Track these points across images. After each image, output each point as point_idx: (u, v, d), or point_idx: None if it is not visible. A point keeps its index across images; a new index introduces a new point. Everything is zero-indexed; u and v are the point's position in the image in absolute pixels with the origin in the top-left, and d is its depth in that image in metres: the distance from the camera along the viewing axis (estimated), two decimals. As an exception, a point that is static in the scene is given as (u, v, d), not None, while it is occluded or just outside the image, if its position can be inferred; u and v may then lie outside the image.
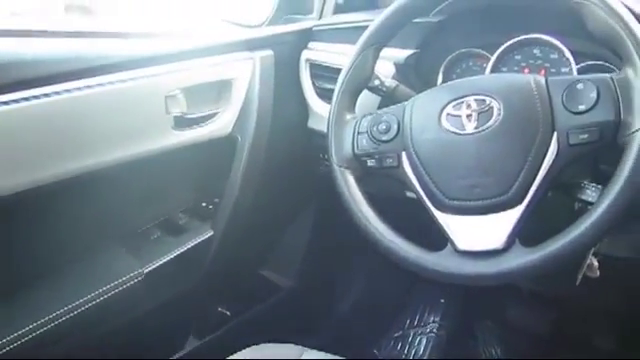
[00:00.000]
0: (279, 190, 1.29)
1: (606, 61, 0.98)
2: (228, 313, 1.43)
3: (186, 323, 1.32)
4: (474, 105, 0.80)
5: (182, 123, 1.05)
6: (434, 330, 1.58)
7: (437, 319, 1.60)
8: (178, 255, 1.13)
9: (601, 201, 0.70)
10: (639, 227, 0.95)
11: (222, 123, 1.12)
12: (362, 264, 1.66)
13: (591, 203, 0.75)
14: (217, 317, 1.42)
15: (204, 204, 1.24)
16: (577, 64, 1.00)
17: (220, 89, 1.12)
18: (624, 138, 0.71)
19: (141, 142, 1.00)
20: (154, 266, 1.09)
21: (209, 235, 1.18)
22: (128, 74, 0.96)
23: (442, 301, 1.63)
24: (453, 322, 1.60)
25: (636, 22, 0.74)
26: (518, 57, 1.06)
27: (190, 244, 1.15)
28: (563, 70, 1.02)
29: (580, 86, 0.75)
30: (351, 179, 0.89)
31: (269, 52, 1.18)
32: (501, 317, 1.59)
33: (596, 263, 0.93)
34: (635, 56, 0.72)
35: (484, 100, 0.80)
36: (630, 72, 0.72)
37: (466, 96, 0.81)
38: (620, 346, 1.45)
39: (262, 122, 1.17)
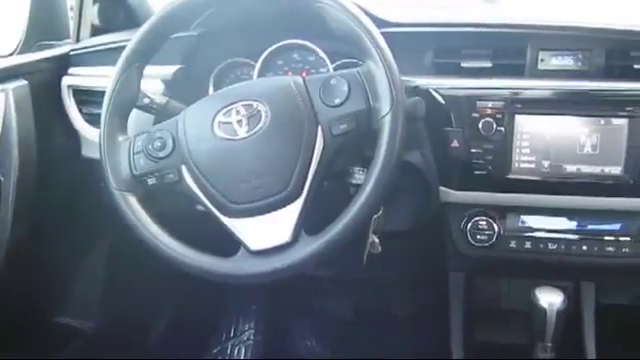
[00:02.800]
0: (61, 228, 1.20)
1: (358, 58, 1.08)
2: (24, 373, 1.29)
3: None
4: (243, 110, 0.84)
5: None
6: (251, 337, 1.60)
7: (252, 325, 1.62)
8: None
9: (366, 182, 0.79)
10: (404, 201, 1.08)
11: (-23, 165, 1.01)
12: (169, 288, 1.61)
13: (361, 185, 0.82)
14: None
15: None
16: (333, 63, 1.10)
17: (-31, 128, 1.01)
18: (377, 123, 0.80)
19: None
20: None
21: (-20, 291, 1.06)
22: None
23: (253, 307, 1.66)
24: (267, 325, 1.63)
25: (370, 21, 0.84)
26: (280, 62, 1.13)
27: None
28: (321, 70, 1.11)
29: (333, 82, 0.83)
30: (133, 201, 0.86)
31: (22, 82, 1.09)
32: (310, 309, 1.67)
33: (377, 240, 1.01)
34: (373, 50, 0.81)
35: (251, 105, 0.84)
36: (371, 64, 0.82)
37: (234, 103, 0.84)
38: (414, 311, 1.61)
39: (26, 159, 1.07)
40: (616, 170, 0.97)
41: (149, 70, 0.93)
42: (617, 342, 1.27)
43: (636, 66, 1.00)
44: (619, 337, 1.29)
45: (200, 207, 0.86)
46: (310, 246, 0.79)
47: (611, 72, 1.02)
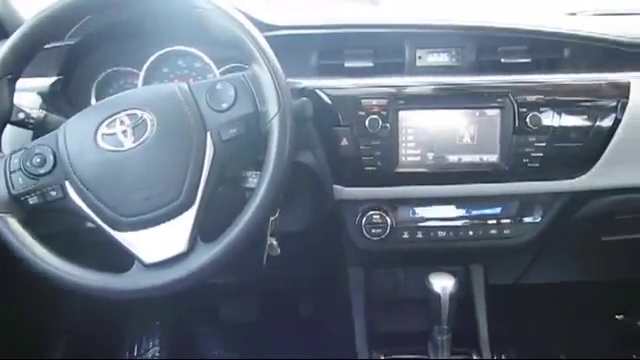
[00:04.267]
0: None
1: (243, 62, 1.08)
2: None
3: None
4: (127, 120, 0.81)
5: None
6: (156, 354, 1.56)
7: (156, 342, 1.58)
8: None
9: (259, 185, 0.79)
10: (299, 202, 1.10)
11: None
12: (62, 313, 1.53)
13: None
14: None
15: None
16: (219, 68, 1.09)
17: None
18: (265, 126, 0.81)
19: None
20: None
21: None
22: None
23: (157, 323, 1.61)
24: (172, 339, 1.59)
25: (252, 25, 0.84)
26: (166, 70, 1.11)
27: None
28: (208, 76, 1.10)
29: (219, 86, 0.82)
30: (14, 223, 0.81)
31: None
32: (214, 317, 1.65)
33: (275, 242, 1.02)
34: (257, 53, 0.82)
35: (136, 114, 0.82)
36: (257, 68, 0.82)
37: (117, 113, 0.82)
38: (318, 309, 1.64)
39: None
40: (493, 158, 1.04)
41: (23, 83, 0.88)
42: (507, 319, 1.36)
43: (503, 60, 1.08)
44: (508, 314, 1.39)
45: (89, 224, 0.82)
46: (207, 254, 0.78)
47: (482, 67, 1.10)
